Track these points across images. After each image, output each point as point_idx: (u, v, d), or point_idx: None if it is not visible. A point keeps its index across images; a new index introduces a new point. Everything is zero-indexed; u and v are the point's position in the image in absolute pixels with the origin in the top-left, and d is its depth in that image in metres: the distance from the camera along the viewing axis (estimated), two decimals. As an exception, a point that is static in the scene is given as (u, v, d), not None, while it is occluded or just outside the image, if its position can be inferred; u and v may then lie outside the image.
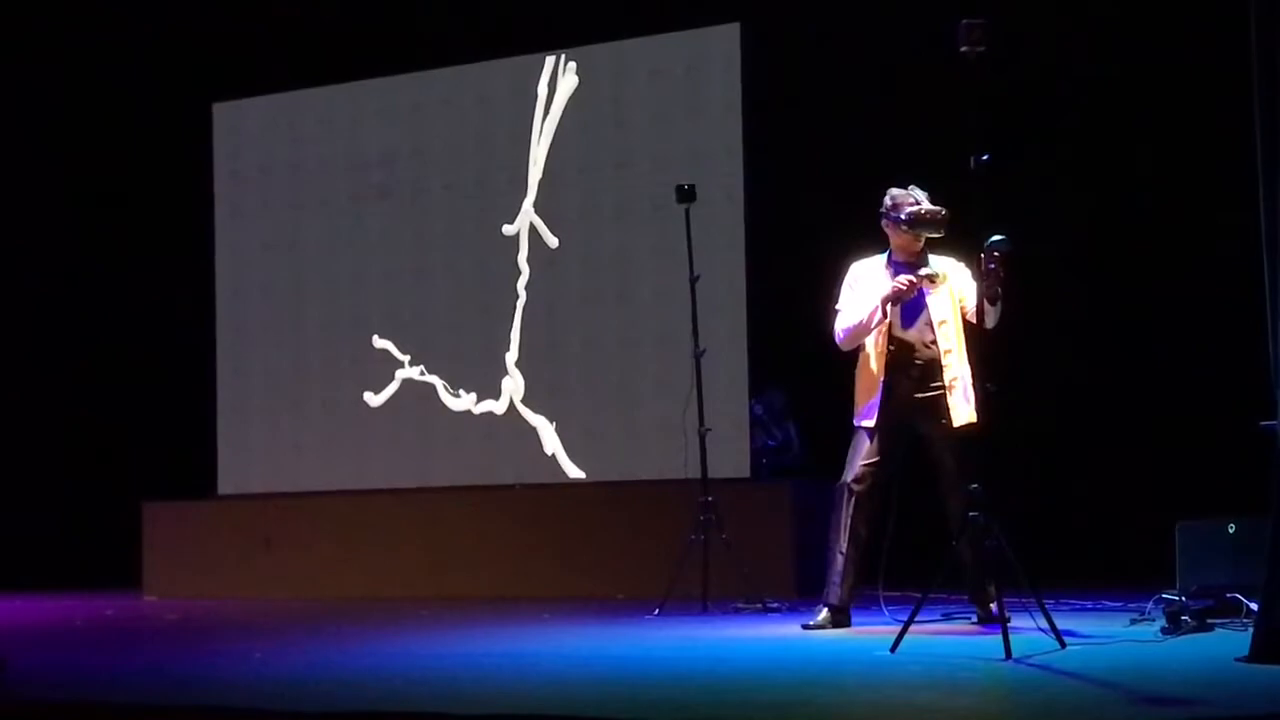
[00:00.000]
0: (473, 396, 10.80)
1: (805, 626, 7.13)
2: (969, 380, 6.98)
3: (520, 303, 10.69)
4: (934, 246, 7.15)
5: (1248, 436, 6.56)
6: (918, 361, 7.05)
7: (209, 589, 10.82)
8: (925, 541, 6.96)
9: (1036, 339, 9.15)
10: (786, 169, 9.96)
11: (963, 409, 6.97)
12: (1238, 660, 5.47)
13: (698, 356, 8.62)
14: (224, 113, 11.84)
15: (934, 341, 7.02)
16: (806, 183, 9.87)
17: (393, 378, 11.04)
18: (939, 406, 6.99)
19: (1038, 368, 9.12)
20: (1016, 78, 8.86)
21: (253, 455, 11.51)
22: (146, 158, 12.21)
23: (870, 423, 7.09)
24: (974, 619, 7.09)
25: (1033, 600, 6.04)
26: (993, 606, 6.96)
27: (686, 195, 8.67)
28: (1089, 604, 7.72)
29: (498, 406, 10.71)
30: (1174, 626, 6.42)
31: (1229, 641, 5.99)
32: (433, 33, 11.22)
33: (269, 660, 6.70)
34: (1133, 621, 6.85)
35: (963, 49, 6.04)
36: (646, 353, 10.27)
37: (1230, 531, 7.32)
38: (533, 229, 10.68)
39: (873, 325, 7.06)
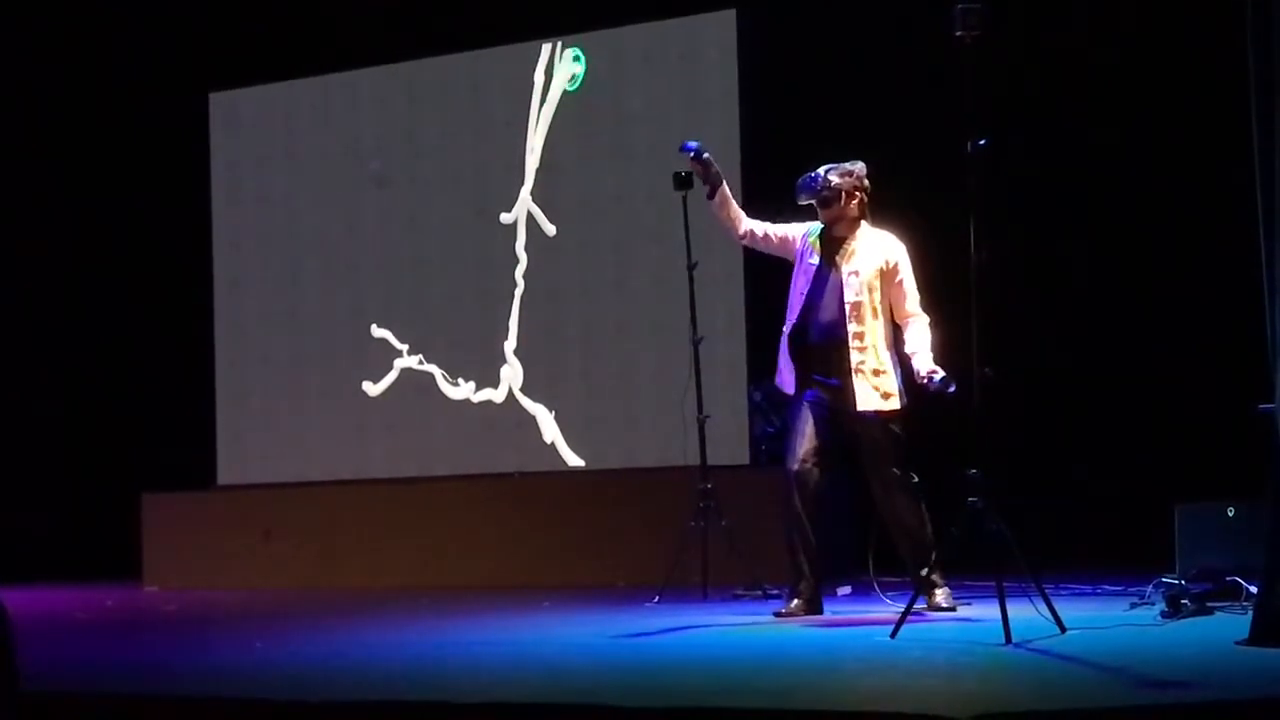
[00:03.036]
0: (471, 385, 10.80)
1: (777, 614, 7.13)
2: (881, 366, 6.93)
3: (518, 291, 10.68)
4: (887, 223, 7.17)
5: (1247, 419, 6.55)
6: (826, 343, 7.00)
7: (209, 579, 10.82)
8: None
9: (1034, 321, 9.16)
10: (783, 155, 9.94)
11: (869, 396, 6.90)
12: (1237, 643, 5.47)
13: (696, 344, 8.61)
14: (220, 102, 11.83)
15: (843, 323, 6.96)
16: (804, 168, 9.83)
17: (391, 367, 11.04)
18: (845, 392, 6.97)
19: (1036, 350, 9.12)
20: (1014, 62, 8.85)
21: (252, 446, 11.52)
22: (143, 148, 12.19)
23: (790, 390, 7.11)
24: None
25: (1032, 584, 6.03)
26: (939, 596, 6.93)
27: (684, 182, 8.64)
28: (1088, 588, 7.72)
29: (496, 395, 10.71)
30: (1174, 610, 6.42)
31: (1229, 625, 5.99)
32: (429, 20, 11.19)
33: (269, 650, 6.71)
34: (1132, 605, 6.85)
35: (959, 33, 6.03)
36: (645, 340, 10.27)
37: (1229, 515, 7.32)
38: (530, 217, 10.68)
39: (713, 209, 7.29)
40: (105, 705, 5.12)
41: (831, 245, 7.10)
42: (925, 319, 7.00)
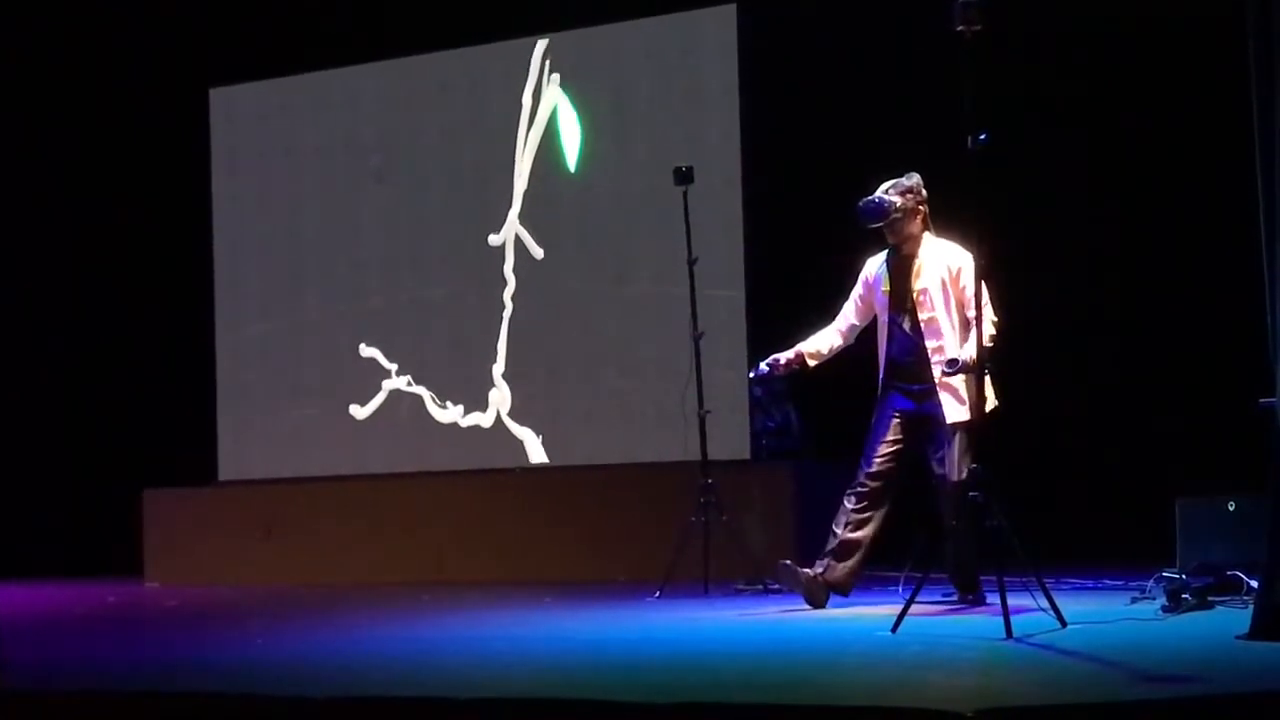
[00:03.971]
0: (460, 409, 10.82)
1: (768, 586, 7.16)
2: (964, 378, 6.95)
3: (507, 314, 10.68)
4: (939, 231, 7.15)
5: (1247, 414, 6.55)
6: (908, 358, 7.07)
7: (210, 575, 10.83)
8: (921, 524, 7.02)
9: (1035, 318, 9.14)
10: (784, 150, 9.95)
11: (954, 408, 6.93)
12: (1238, 638, 5.47)
13: (697, 339, 8.62)
14: (221, 98, 11.83)
15: (921, 341, 7.02)
16: (804, 163, 9.86)
17: (380, 389, 11.04)
18: (931, 403, 7.01)
19: (1037, 347, 9.11)
20: (1015, 56, 8.84)
21: (253, 441, 11.52)
22: (143, 144, 12.19)
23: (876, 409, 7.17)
24: (954, 597, 7.11)
25: (1033, 579, 6.03)
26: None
27: (684, 177, 8.65)
28: (1090, 583, 7.72)
29: (484, 419, 10.73)
30: (1174, 604, 6.43)
31: (1229, 619, 5.99)
32: (428, 16, 11.17)
33: (270, 646, 6.71)
34: (1133, 600, 6.85)
35: (959, 28, 6.03)
36: (645, 335, 10.26)
37: (1230, 509, 7.33)
38: (518, 240, 10.68)
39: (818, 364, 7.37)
40: (106, 702, 5.11)
41: (901, 267, 7.12)
42: (985, 323, 6.66)
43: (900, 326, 7.09)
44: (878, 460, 7.08)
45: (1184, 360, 9.03)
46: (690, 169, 8.71)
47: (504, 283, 10.74)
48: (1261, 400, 6.21)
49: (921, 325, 7.02)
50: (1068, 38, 9.49)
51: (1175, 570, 6.97)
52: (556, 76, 10.60)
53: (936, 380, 6.96)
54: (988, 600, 6.91)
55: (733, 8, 10.16)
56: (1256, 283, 5.94)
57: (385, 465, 10.98)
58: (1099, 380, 9.39)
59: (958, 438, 6.94)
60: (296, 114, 11.56)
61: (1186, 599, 6.45)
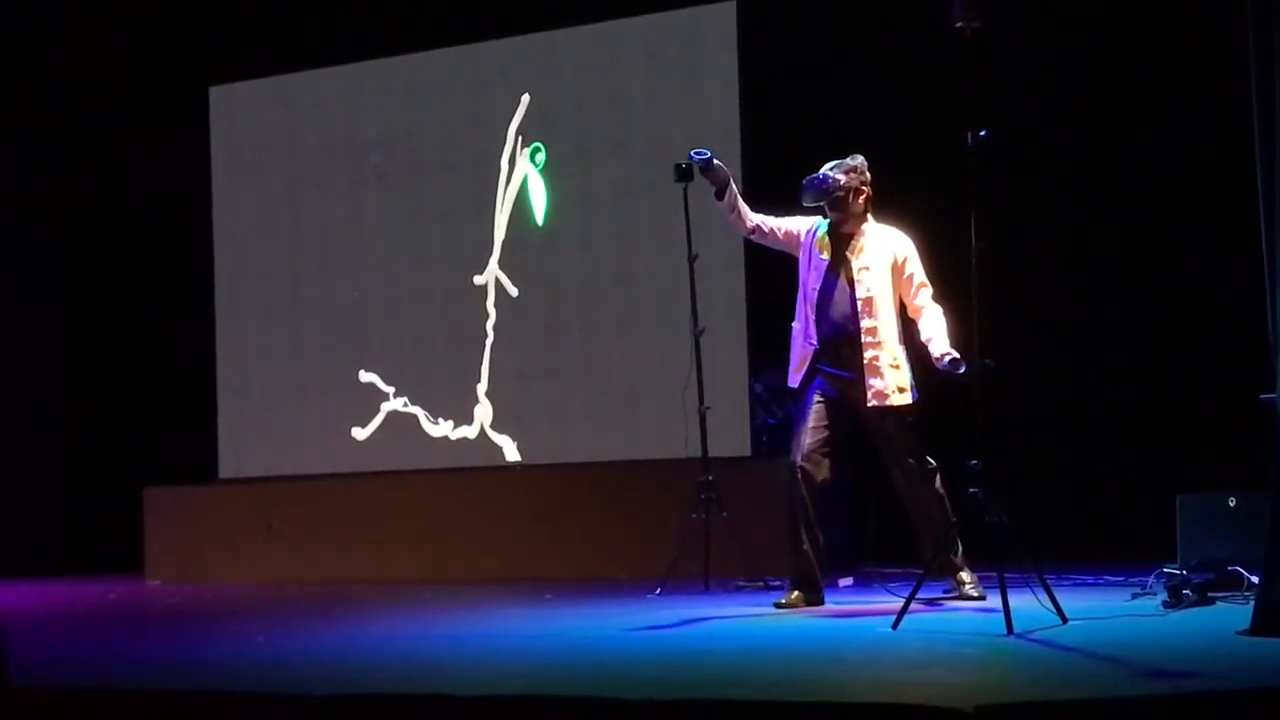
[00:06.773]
0: (451, 424, 10.85)
1: (778, 605, 7.14)
2: (894, 361, 6.95)
3: (489, 341, 10.70)
4: (888, 214, 7.17)
5: (1248, 409, 6.55)
6: (838, 338, 7.03)
7: (211, 573, 10.83)
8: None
9: (1035, 313, 9.15)
10: (784, 147, 9.94)
11: (883, 391, 6.92)
12: (1239, 633, 5.48)
13: (697, 336, 8.62)
14: (221, 96, 11.83)
15: (855, 318, 7.00)
16: (804, 161, 9.82)
17: (378, 409, 11.07)
18: (858, 386, 6.99)
19: (1037, 342, 9.12)
20: (1015, 52, 8.84)
21: (253, 439, 11.52)
22: (144, 142, 12.18)
23: (796, 385, 7.14)
24: (955, 593, 7.10)
25: (1034, 575, 6.04)
26: (965, 578, 6.96)
27: (684, 174, 8.63)
28: (1090, 579, 7.73)
29: (469, 432, 10.78)
30: (1175, 600, 6.43)
31: (1230, 615, 5.99)
32: (428, 14, 11.17)
33: (271, 643, 6.71)
34: (1134, 596, 6.86)
35: (959, 24, 6.03)
36: (646, 332, 10.26)
37: (1231, 505, 7.32)
38: (498, 282, 10.72)
39: (721, 209, 7.25)
40: (106, 700, 5.11)
41: (840, 242, 7.12)
42: (939, 309, 7.00)
43: (834, 301, 7.03)
44: (809, 452, 7.00)
45: (1185, 356, 9.02)
46: (690, 166, 8.68)
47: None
48: (1262, 396, 6.21)
49: (859, 303, 6.99)
50: (1067, 34, 9.49)
51: (1176, 566, 6.97)
52: (527, 151, 10.65)
53: (866, 363, 6.94)
54: (979, 583, 6.92)
55: (733, 5, 10.15)
56: (1257, 278, 5.94)
57: (387, 461, 10.97)
58: (1099, 376, 9.39)
59: (894, 425, 6.96)
60: (297, 112, 11.55)
61: (1187, 595, 6.45)
